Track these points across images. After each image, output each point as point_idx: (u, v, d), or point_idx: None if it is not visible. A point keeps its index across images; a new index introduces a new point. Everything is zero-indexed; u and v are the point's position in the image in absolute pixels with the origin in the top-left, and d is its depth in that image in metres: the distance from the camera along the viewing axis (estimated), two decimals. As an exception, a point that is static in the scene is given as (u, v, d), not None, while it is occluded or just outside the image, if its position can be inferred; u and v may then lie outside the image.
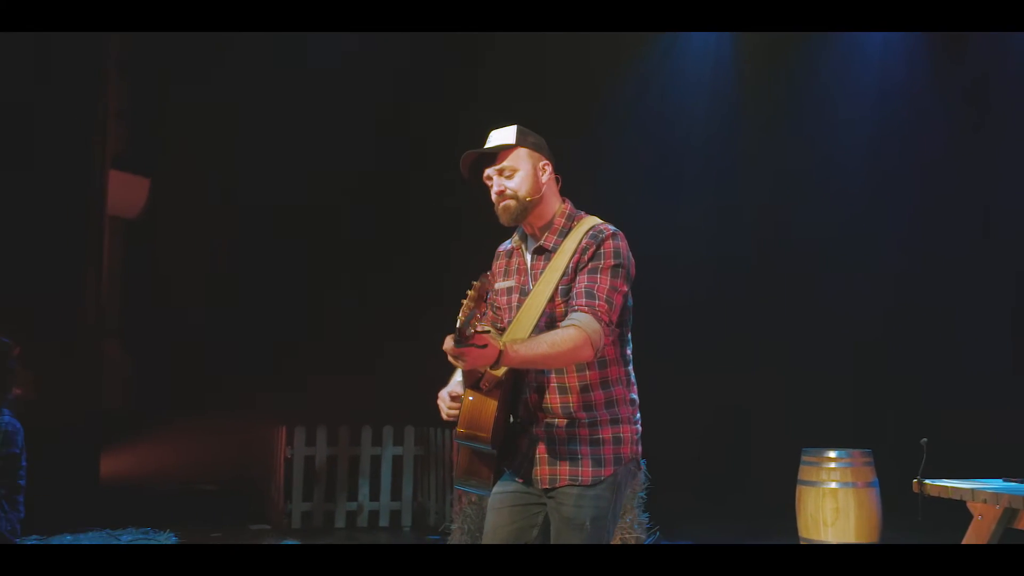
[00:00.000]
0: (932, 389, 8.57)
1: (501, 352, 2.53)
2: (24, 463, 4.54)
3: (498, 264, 3.06)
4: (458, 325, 2.38)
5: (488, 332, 2.45)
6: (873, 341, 9.00)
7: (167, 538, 4.79)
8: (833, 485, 6.20)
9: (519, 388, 2.84)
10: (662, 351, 9.04)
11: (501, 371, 2.66)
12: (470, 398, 2.66)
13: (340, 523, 7.93)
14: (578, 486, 2.78)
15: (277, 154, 9.41)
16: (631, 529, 6.26)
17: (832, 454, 6.28)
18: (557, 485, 2.80)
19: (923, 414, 8.09)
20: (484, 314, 2.67)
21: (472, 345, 2.41)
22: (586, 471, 2.79)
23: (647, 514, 6.47)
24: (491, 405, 2.65)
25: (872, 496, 6.19)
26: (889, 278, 9.09)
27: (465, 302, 2.40)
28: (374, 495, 8.04)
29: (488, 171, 2.88)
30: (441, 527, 7.23)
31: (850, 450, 6.29)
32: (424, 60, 9.37)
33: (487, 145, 2.89)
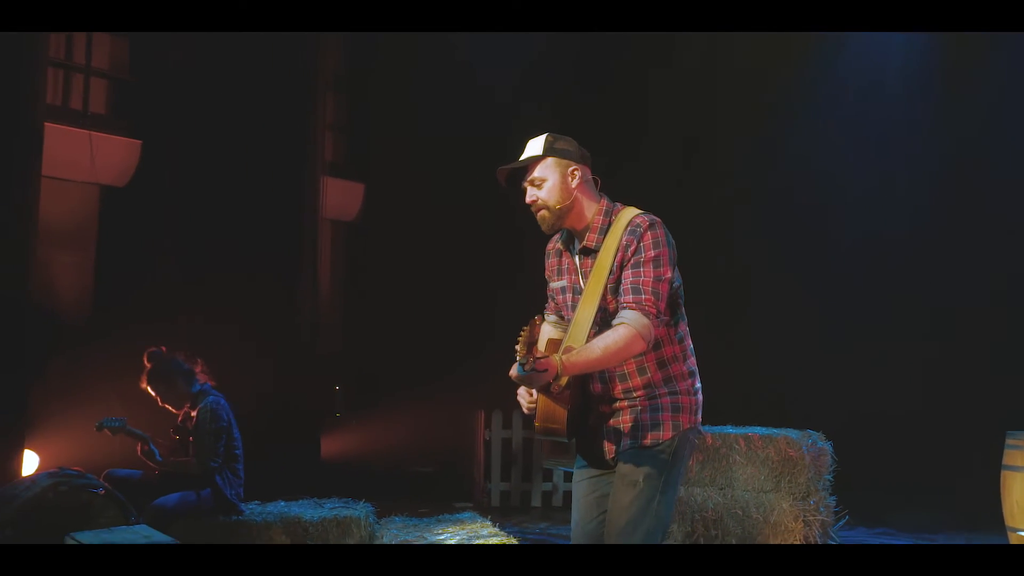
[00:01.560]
0: None
1: (560, 367, 2.75)
2: (237, 435, 5.22)
3: (550, 263, 3.26)
4: (518, 359, 2.67)
5: (546, 358, 2.72)
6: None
7: (363, 507, 5.30)
8: (1041, 470, 5.80)
9: (584, 381, 3.06)
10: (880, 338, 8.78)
11: (564, 379, 2.87)
12: (543, 399, 2.90)
13: (536, 502, 8.29)
14: (637, 448, 3.00)
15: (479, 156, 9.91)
16: (815, 512, 6.16)
17: (1039, 437, 5.88)
18: (621, 450, 3.03)
19: None
20: (533, 353, 2.90)
21: (533, 371, 2.66)
22: (646, 434, 3.01)
23: (834, 497, 6.34)
24: (562, 404, 2.89)
25: (1087, 482, 5.74)
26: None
27: (521, 344, 2.75)
28: (568, 476, 8.30)
29: (523, 183, 3.09)
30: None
31: (1060, 432, 5.86)
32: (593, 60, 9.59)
33: (524, 153, 3.08)
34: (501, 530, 4.66)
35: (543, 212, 3.05)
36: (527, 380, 2.72)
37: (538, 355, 2.71)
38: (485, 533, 4.42)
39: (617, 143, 9.14)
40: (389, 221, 10.82)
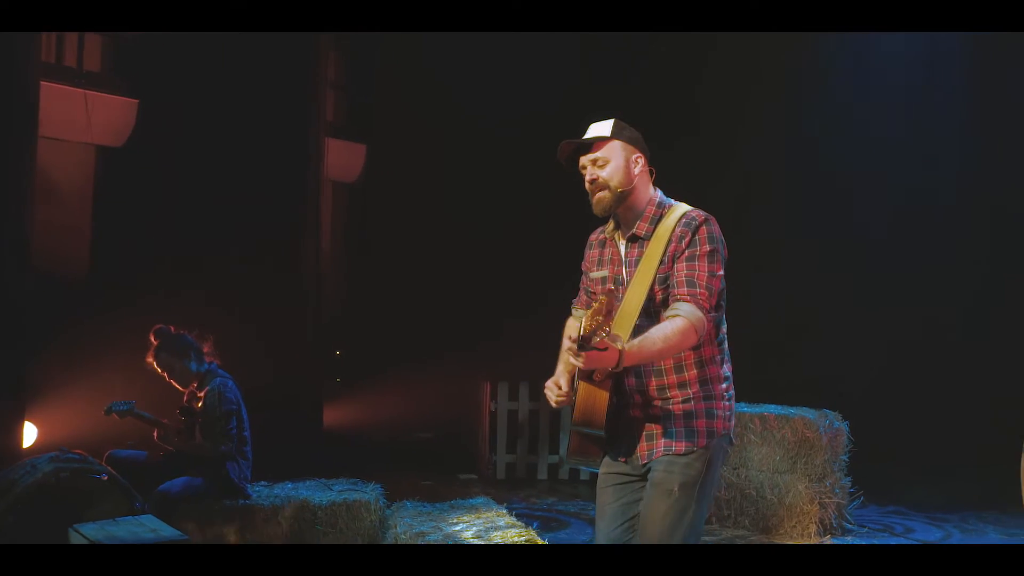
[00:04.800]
0: None
1: (621, 354, 2.65)
2: (245, 416, 5.06)
3: (591, 254, 3.17)
4: (582, 334, 2.52)
5: (607, 335, 2.57)
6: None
7: (373, 490, 5.16)
8: (1063, 455, 5.69)
9: (621, 375, 2.92)
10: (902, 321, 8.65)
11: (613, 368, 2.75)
12: (584, 389, 2.81)
13: (542, 475, 8.18)
14: (672, 455, 2.91)
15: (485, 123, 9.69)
16: (831, 493, 6.06)
17: (1062, 421, 5.76)
18: (654, 457, 2.93)
19: None
20: (608, 326, 2.72)
21: (594, 349, 2.56)
22: (680, 442, 2.92)
23: (849, 478, 6.24)
24: (603, 395, 2.80)
25: (1111, 468, 5.62)
26: None
27: (590, 314, 2.53)
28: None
29: (583, 160, 2.98)
30: (638, 484, 7.31)
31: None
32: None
33: (586, 136, 2.99)
34: (516, 519, 4.50)
35: (603, 193, 2.96)
36: (587, 360, 2.60)
37: (602, 334, 2.55)
38: (503, 524, 4.28)
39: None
40: (392, 183, 10.61)
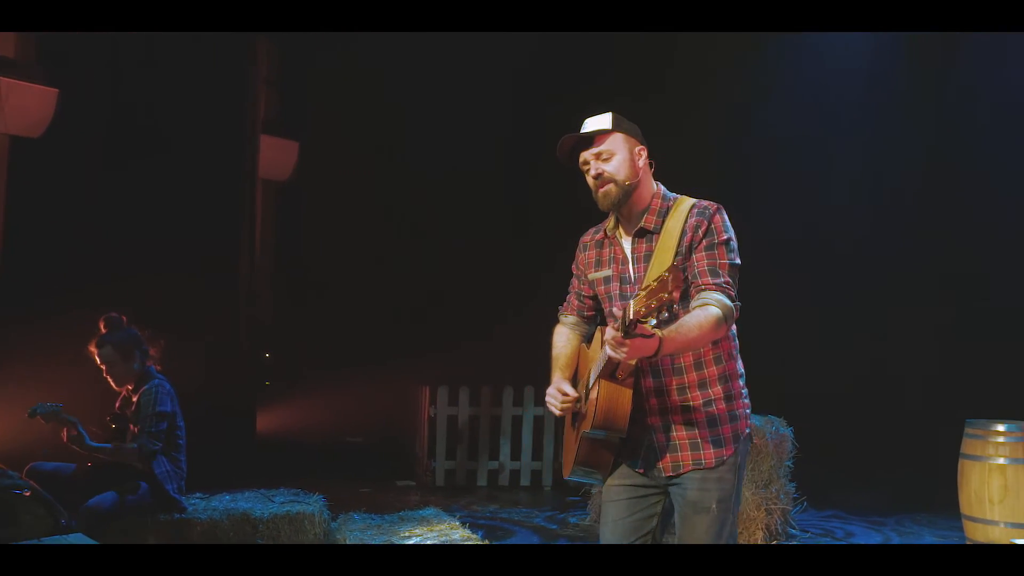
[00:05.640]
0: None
1: (661, 342, 2.48)
2: (181, 423, 4.76)
3: (587, 256, 3.01)
4: (631, 316, 2.30)
5: (645, 322, 2.34)
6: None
7: (316, 501, 4.93)
8: (1001, 461, 5.80)
9: (637, 372, 2.78)
10: (811, 315, 8.72)
11: (633, 361, 2.60)
12: (606, 389, 2.62)
13: (482, 482, 8.05)
14: (702, 469, 2.76)
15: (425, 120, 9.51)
16: (777, 499, 6.06)
17: (1001, 427, 5.86)
18: (681, 472, 2.78)
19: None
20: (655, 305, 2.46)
21: (639, 335, 2.36)
22: (708, 453, 2.77)
23: (794, 483, 6.25)
24: (627, 395, 2.64)
25: (1046, 474, 5.75)
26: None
27: (644, 294, 2.29)
28: (515, 455, 8.11)
29: (585, 155, 2.85)
30: (582, 491, 7.22)
31: (1021, 423, 5.85)
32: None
33: (582, 131, 2.86)
34: (470, 531, 4.34)
35: (610, 187, 2.81)
36: (628, 347, 2.39)
37: (639, 315, 2.27)
38: (457, 536, 4.12)
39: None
40: (326, 181, 10.34)
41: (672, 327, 2.53)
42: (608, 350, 2.46)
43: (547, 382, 8.28)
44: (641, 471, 2.82)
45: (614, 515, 2.86)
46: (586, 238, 3.04)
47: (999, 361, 7.87)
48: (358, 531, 4.40)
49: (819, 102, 9.03)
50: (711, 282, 2.68)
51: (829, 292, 8.82)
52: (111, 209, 7.30)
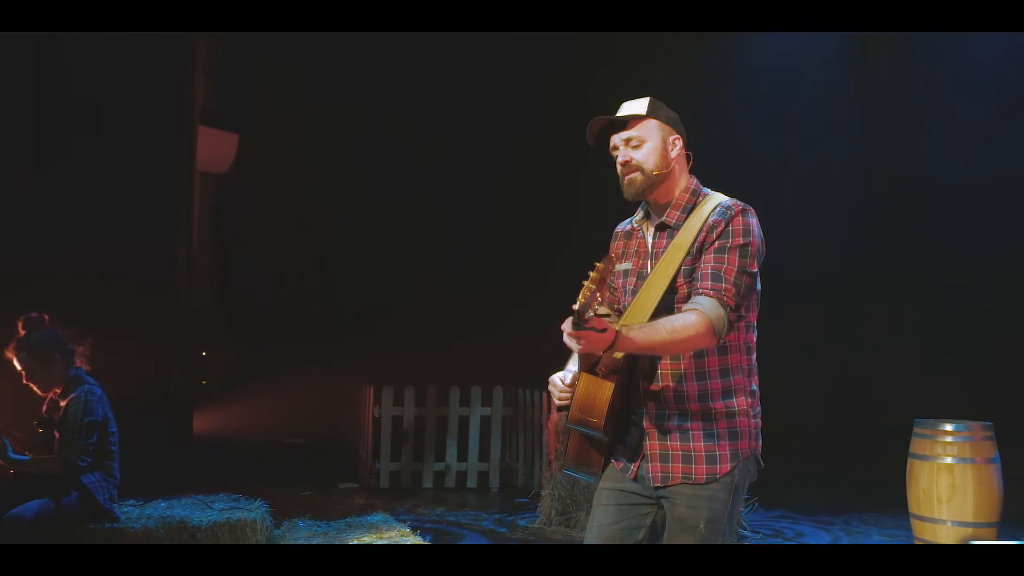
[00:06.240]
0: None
1: (617, 336, 2.35)
2: (113, 429, 4.49)
3: (616, 245, 2.86)
4: (577, 307, 2.23)
5: (607, 316, 2.31)
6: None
7: (258, 507, 4.71)
8: (949, 460, 5.82)
9: (632, 374, 2.64)
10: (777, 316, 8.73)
11: (618, 355, 2.51)
12: (585, 382, 2.52)
13: (428, 483, 7.87)
14: (692, 484, 2.60)
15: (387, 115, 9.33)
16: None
17: (949, 427, 5.88)
18: (669, 483, 2.62)
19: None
20: (603, 297, 2.50)
21: (590, 328, 2.27)
22: (700, 469, 2.60)
23: (746, 485, 6.21)
24: (606, 390, 2.51)
25: (993, 473, 5.79)
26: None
27: (586, 284, 2.25)
28: (462, 456, 7.95)
29: (615, 140, 2.70)
30: (531, 493, 7.09)
31: (969, 423, 5.88)
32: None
33: (618, 114, 2.71)
34: (421, 537, 4.17)
35: (635, 175, 2.66)
36: (580, 339, 2.31)
37: (599, 311, 2.26)
38: (408, 543, 3.94)
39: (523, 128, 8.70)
40: (267, 175, 10.06)
41: (637, 325, 2.43)
42: (565, 339, 2.36)
43: (495, 382, 8.16)
44: (632, 477, 2.68)
45: (600, 520, 2.71)
46: (619, 228, 2.89)
47: (948, 361, 7.96)
48: (303, 539, 4.20)
49: (775, 107, 9.06)
50: (708, 287, 2.53)
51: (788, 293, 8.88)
52: (41, 203, 6.98)
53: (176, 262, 7.70)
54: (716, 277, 2.54)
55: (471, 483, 7.94)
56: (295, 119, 9.77)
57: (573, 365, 2.73)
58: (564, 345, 2.41)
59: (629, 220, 2.86)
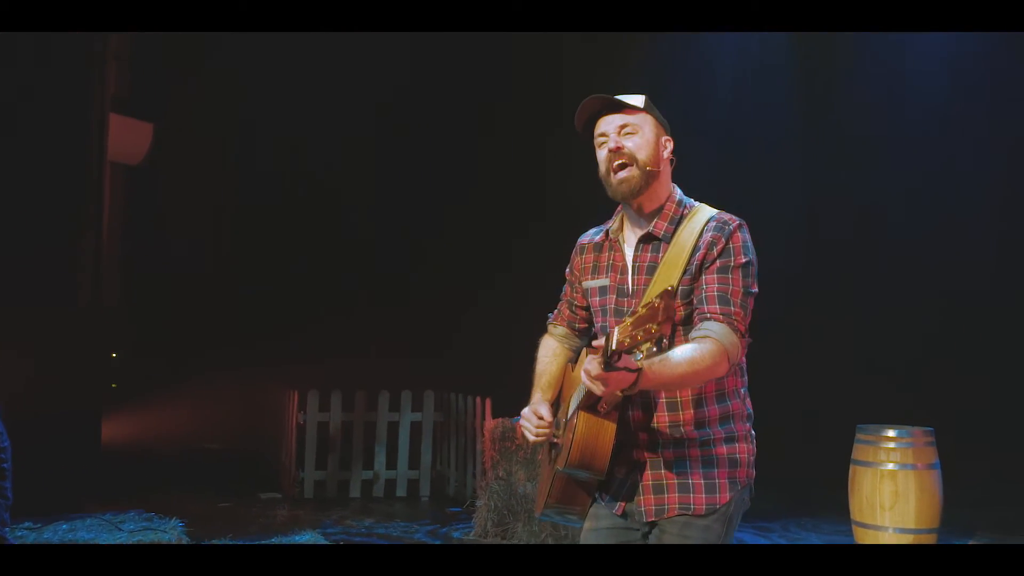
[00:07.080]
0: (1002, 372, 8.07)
1: (639, 374, 2.11)
2: (6, 444, 4.04)
3: (584, 259, 2.60)
4: (614, 347, 1.98)
5: (632, 354, 2.01)
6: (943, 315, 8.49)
7: (174, 527, 4.32)
8: (891, 467, 5.75)
9: (626, 405, 2.39)
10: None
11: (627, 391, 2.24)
12: (585, 422, 2.27)
13: (355, 493, 7.53)
14: (688, 515, 2.38)
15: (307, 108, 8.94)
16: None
17: (891, 433, 5.82)
18: (665, 516, 2.40)
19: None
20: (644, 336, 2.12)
21: (622, 369, 2.03)
22: (699, 498, 2.39)
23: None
24: (608, 431, 2.28)
25: (934, 479, 5.74)
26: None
27: (630, 322, 1.98)
28: (391, 463, 7.63)
29: (604, 126, 2.44)
30: (466, 503, 6.81)
31: (911, 428, 5.83)
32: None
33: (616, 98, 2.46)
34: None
35: (631, 171, 2.41)
36: (607, 381, 2.09)
37: (622, 346, 1.98)
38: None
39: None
40: (182, 166, 9.55)
41: (657, 359, 2.15)
42: (585, 380, 2.11)
43: (425, 386, 7.78)
44: (619, 512, 2.44)
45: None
46: (584, 239, 2.63)
47: (890, 367, 7.96)
48: (223, 566, 3.83)
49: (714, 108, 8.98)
50: (717, 311, 2.32)
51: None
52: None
53: (81, 258, 7.15)
54: (724, 300, 2.34)
55: (400, 492, 7.62)
56: (215, 109, 9.29)
57: (540, 394, 2.52)
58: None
59: (598, 230, 2.60)
